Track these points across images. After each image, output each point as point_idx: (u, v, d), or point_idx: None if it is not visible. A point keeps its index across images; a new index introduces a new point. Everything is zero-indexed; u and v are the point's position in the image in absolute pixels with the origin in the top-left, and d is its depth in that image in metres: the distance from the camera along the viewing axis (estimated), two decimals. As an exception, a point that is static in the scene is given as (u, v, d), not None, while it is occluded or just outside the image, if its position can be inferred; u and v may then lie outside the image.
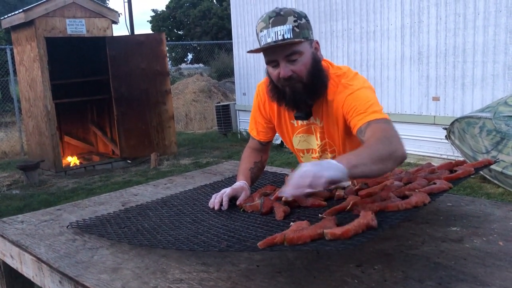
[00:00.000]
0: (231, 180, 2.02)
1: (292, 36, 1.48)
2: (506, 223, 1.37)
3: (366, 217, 0.99)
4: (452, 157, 5.46)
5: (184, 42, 22.63)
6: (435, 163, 5.15)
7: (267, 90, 1.69)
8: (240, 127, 9.19)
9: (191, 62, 24.96)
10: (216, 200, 1.59)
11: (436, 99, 5.81)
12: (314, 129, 1.73)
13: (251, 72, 8.52)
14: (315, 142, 1.75)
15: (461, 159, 5.05)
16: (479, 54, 5.35)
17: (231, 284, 1.10)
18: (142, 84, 7.37)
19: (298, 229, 1.04)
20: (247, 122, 8.92)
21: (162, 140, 7.69)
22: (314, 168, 1.16)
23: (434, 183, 1.25)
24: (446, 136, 5.18)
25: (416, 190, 1.20)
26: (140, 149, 7.55)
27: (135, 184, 6.00)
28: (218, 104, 9.71)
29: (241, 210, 1.53)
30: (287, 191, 1.17)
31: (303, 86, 1.56)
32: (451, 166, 1.45)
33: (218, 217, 1.49)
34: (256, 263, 1.21)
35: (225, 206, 1.57)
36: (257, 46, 1.57)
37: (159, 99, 7.51)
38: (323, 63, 1.63)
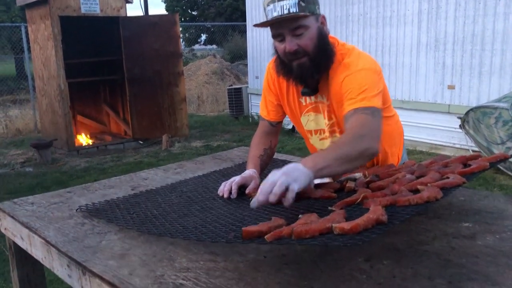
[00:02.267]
0: (241, 167, 2.01)
1: (297, 10, 1.47)
2: (520, 220, 1.34)
3: (376, 212, 0.97)
4: (465, 147, 5.39)
5: (198, 23, 22.51)
6: (448, 152, 5.09)
7: (274, 65, 1.69)
8: (252, 111, 9.17)
9: (205, 43, 24.84)
10: (225, 188, 1.59)
11: (451, 87, 5.72)
12: (321, 108, 1.71)
13: (264, 55, 8.45)
14: (324, 121, 1.73)
15: (475, 149, 4.99)
16: (498, 42, 5.24)
17: (238, 274, 1.09)
18: (155, 65, 7.36)
19: (307, 222, 1.03)
20: (259, 106, 8.89)
21: (174, 122, 7.70)
22: (283, 179, 1.19)
23: (447, 178, 1.23)
24: (460, 125, 5.11)
25: (429, 185, 1.18)
26: (152, 130, 7.58)
27: (146, 165, 6.04)
28: (230, 87, 9.69)
29: (250, 199, 1.51)
30: (255, 202, 1.22)
31: (310, 60, 1.55)
32: (464, 160, 1.42)
33: (227, 205, 1.48)
34: (263, 253, 1.20)
35: (234, 194, 1.56)
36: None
37: (171, 81, 7.50)
38: (330, 39, 1.62)
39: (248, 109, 9.38)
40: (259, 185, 1.59)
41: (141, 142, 7.65)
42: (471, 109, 4.83)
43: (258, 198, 1.20)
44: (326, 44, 1.58)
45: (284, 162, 2.03)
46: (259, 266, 1.13)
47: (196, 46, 23.78)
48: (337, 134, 1.73)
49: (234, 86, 9.75)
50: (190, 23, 22.45)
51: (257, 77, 8.84)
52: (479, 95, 5.41)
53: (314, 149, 1.85)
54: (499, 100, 4.63)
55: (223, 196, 1.58)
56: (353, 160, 1.35)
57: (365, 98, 1.47)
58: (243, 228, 1.02)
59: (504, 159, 1.39)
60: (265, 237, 0.98)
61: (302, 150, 6.51)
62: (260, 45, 8.59)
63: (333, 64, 1.60)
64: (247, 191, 1.57)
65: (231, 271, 1.11)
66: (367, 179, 1.42)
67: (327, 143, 1.77)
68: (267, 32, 8.31)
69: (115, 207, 1.55)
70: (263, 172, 1.77)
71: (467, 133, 5.04)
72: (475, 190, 1.67)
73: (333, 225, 0.93)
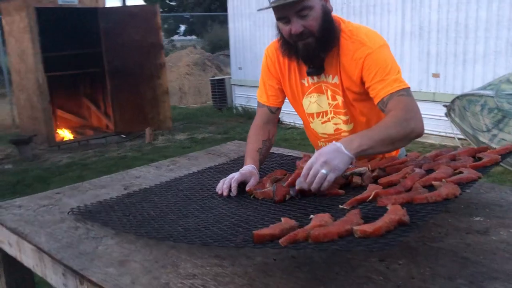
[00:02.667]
0: (237, 162, 1.94)
1: None
2: (531, 213, 1.31)
3: (397, 212, 0.92)
4: (451, 135, 5.42)
5: (177, 14, 22.18)
6: (433, 141, 5.08)
7: (278, 46, 1.66)
8: (236, 102, 9.08)
9: (184, 34, 24.54)
10: (224, 186, 1.52)
11: (436, 75, 5.73)
12: (325, 88, 1.67)
13: (247, 46, 8.35)
14: (327, 103, 1.69)
15: (461, 137, 5.01)
16: (481, 29, 5.25)
17: (248, 280, 1.03)
18: (135, 57, 7.20)
19: (321, 223, 0.97)
20: (243, 97, 8.81)
21: (156, 114, 7.57)
22: (324, 171, 1.27)
23: (461, 172, 1.18)
24: (446, 113, 5.12)
25: (443, 180, 1.13)
26: (135, 123, 7.44)
27: (130, 159, 5.93)
28: (213, 78, 9.57)
29: (252, 196, 1.46)
30: (303, 184, 1.28)
31: (315, 40, 1.53)
32: (473, 152, 1.38)
33: (228, 204, 1.41)
34: (272, 256, 1.14)
35: (234, 192, 1.50)
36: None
37: (153, 73, 7.36)
38: (333, 16, 1.59)
39: (232, 100, 9.29)
40: (259, 181, 1.54)
41: (123, 136, 7.51)
42: (457, 97, 4.84)
43: (301, 185, 1.30)
44: (330, 22, 1.56)
45: (281, 156, 1.99)
46: (269, 270, 1.07)
47: (176, 37, 23.47)
48: (342, 117, 1.69)
49: (217, 77, 9.64)
50: (169, 14, 22.11)
51: (240, 68, 8.75)
52: (463, 83, 5.44)
53: (314, 135, 1.80)
54: (484, 88, 4.65)
55: (222, 194, 1.51)
56: (398, 141, 1.42)
57: (396, 79, 1.50)
58: (254, 232, 0.96)
59: (512, 150, 1.35)
60: (280, 241, 0.91)
61: (288, 141, 6.48)
62: (243, 36, 8.49)
63: (340, 41, 1.59)
64: (247, 188, 1.51)
65: (240, 277, 1.05)
66: (374, 174, 1.37)
67: (329, 126, 1.73)
68: (249, 22, 8.18)
69: (109, 209, 1.47)
70: (261, 166, 1.71)
71: (452, 121, 5.06)
72: (480, 182, 1.63)
73: (354, 228, 0.88)
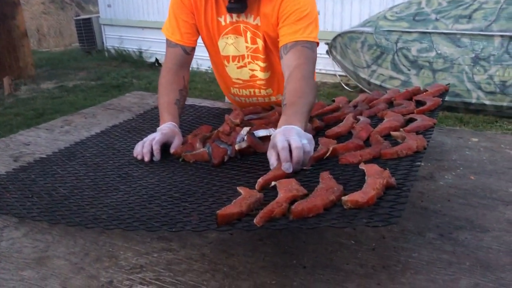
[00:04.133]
0: (145, 118, 1.71)
1: None
2: (463, 153, 1.34)
3: (381, 175, 0.82)
4: (331, 72, 5.60)
5: None
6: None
7: None
8: (107, 44, 8.34)
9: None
10: (144, 149, 1.30)
11: (315, 13, 5.79)
12: (243, 30, 1.50)
13: (115, -20, 7.60)
14: (244, 46, 1.53)
15: (342, 73, 5.21)
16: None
17: (210, 264, 0.88)
18: (-19, -7, 6.12)
19: (293, 193, 0.85)
20: (115, 38, 8.11)
21: (15, 61, 6.65)
22: (305, 142, 1.05)
23: (412, 119, 1.13)
24: (327, 51, 5.24)
25: (401, 130, 1.07)
26: (-11, 73, 6.46)
27: (-9, 116, 5.15)
28: (78, 18, 8.63)
29: (180, 160, 1.27)
30: (288, 167, 1.00)
31: None
32: (408, 96, 1.35)
33: (155, 172, 1.21)
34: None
35: (157, 156, 1.30)
36: None
37: (6, 13, 6.36)
38: None
39: (102, 42, 8.51)
40: (185, 141, 1.36)
41: (-24, 88, 6.49)
42: (339, 35, 4.95)
43: (287, 168, 0.99)
44: None
45: (194, 108, 1.80)
46: (230, 248, 0.93)
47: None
48: (259, 63, 1.55)
49: (82, 17, 8.69)
50: None
51: (109, 6, 7.97)
52: (342, 20, 5.58)
53: (228, 80, 1.64)
54: (363, 25, 4.81)
55: (142, 159, 1.30)
56: (313, 106, 1.30)
57: (307, 27, 1.38)
58: (218, 212, 0.80)
59: (445, 91, 1.35)
60: (255, 221, 0.77)
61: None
62: (109, -31, 7.68)
63: None
64: (172, 150, 1.32)
65: (199, 261, 0.89)
66: (314, 125, 1.27)
67: (245, 71, 1.59)
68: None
69: (3, 190, 1.17)
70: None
71: (334, 58, 5.21)
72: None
73: (343, 198, 0.76)
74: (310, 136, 1.08)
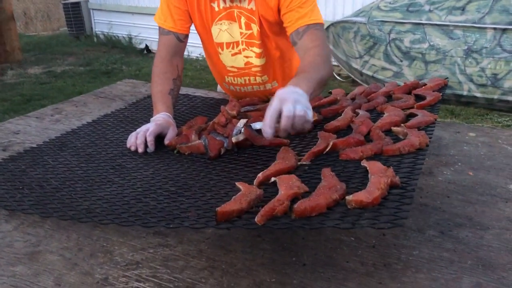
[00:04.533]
0: (138, 107, 1.68)
1: None
2: (461, 147, 1.33)
3: (385, 173, 0.81)
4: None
5: None
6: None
7: None
8: (96, 29, 8.21)
9: None
10: (138, 140, 1.27)
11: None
12: (237, 15, 1.47)
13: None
14: (238, 32, 1.50)
15: (335, 63, 5.18)
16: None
17: (207, 261, 0.86)
18: (-34, -25, 5.96)
19: (295, 190, 0.83)
20: (104, 23, 7.98)
21: (1, 45, 6.52)
22: (299, 107, 1.03)
23: (413, 114, 1.12)
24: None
25: (402, 125, 1.06)
26: (-25, 57, 6.32)
27: (-23, 101, 5.05)
28: (66, 2, 8.45)
29: (175, 152, 1.24)
30: (268, 132, 1.06)
31: None
32: (407, 89, 1.33)
33: (150, 164, 1.19)
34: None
35: (151, 148, 1.27)
36: None
37: (-8, -5, 6.21)
38: None
39: (91, 27, 8.36)
40: (179, 132, 1.33)
41: (-39, 72, 6.36)
42: (332, 24, 4.91)
43: (267, 132, 1.06)
44: None
45: (188, 97, 1.76)
46: (228, 245, 0.91)
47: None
48: (255, 49, 1.53)
49: (71, 1, 8.51)
50: None
51: (98, -10, 7.82)
52: (335, 10, 5.54)
53: (222, 68, 1.61)
54: (357, 15, 4.78)
55: (136, 151, 1.27)
56: (326, 82, 1.33)
57: (314, 11, 1.40)
58: (218, 209, 0.78)
59: (444, 85, 1.33)
60: (256, 220, 0.75)
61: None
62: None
63: None
64: (167, 141, 1.29)
65: (196, 258, 0.87)
66: (313, 119, 1.25)
67: (240, 59, 1.56)
68: None
69: (-9, 181, 1.14)
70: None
71: (326, 48, 5.17)
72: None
73: (347, 198, 0.75)
74: (309, 105, 1.09)
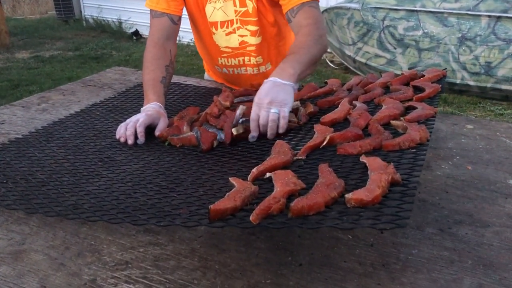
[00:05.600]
0: (127, 96, 1.63)
1: None
2: (459, 141, 1.30)
3: (386, 170, 0.77)
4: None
5: None
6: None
7: None
8: (86, 13, 8.05)
9: None
10: (128, 132, 1.23)
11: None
12: None
13: None
14: (233, 10, 1.46)
15: (328, 50, 5.13)
16: None
17: (200, 261, 0.83)
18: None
19: (291, 187, 0.79)
20: (93, 7, 7.83)
21: (-12, 28, 6.36)
22: (274, 110, 1.12)
23: (412, 107, 1.08)
24: (313, 26, 5.14)
25: (401, 118, 1.02)
26: (-40, 40, 6.18)
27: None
28: (55, -16, 8.27)
29: (166, 144, 1.20)
30: (253, 139, 1.16)
31: None
32: (405, 80, 1.30)
33: (140, 156, 1.15)
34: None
35: (141, 139, 1.23)
36: None
37: (-22, -23, 6.04)
38: None
39: (80, 10, 8.20)
40: (171, 123, 1.29)
41: None
42: (325, 10, 4.85)
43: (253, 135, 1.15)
44: None
45: (179, 86, 1.72)
46: (221, 243, 0.88)
47: None
48: (250, 27, 1.49)
49: (58, -17, 8.34)
50: None
51: (87, -27, 7.66)
52: (328, -5, 5.47)
53: (215, 49, 1.57)
54: (350, 1, 4.72)
55: (125, 142, 1.23)
56: (319, 59, 1.35)
57: None
58: (211, 207, 0.74)
59: (443, 76, 1.30)
60: (251, 218, 0.72)
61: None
62: None
63: None
64: (157, 133, 1.25)
65: (188, 257, 0.84)
66: (308, 111, 1.22)
67: (234, 38, 1.52)
68: None
69: (-26, 174, 1.09)
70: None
71: (319, 34, 5.11)
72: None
73: (346, 196, 0.72)
74: (289, 93, 1.16)
